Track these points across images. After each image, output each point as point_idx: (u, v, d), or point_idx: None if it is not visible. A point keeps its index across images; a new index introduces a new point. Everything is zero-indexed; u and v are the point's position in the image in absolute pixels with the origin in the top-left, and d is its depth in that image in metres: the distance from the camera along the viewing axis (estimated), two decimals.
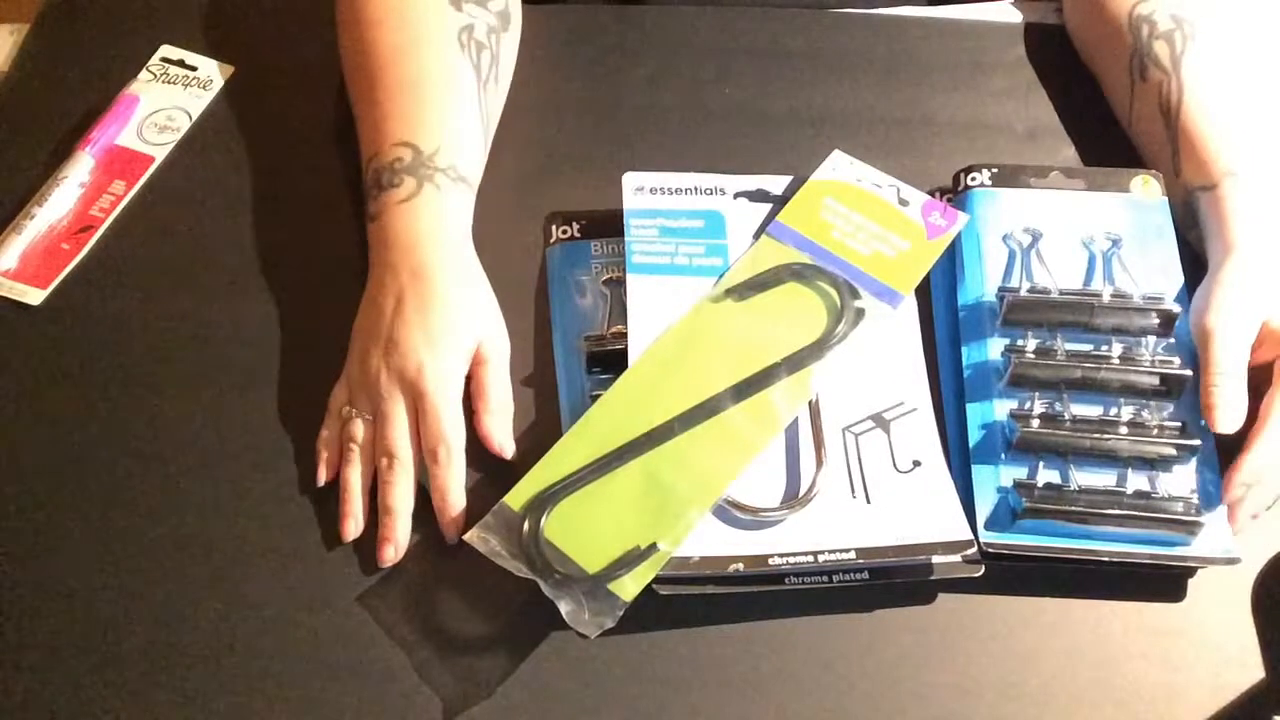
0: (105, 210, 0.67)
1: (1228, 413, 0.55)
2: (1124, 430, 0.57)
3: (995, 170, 0.65)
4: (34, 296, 0.63)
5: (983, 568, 0.54)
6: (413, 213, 0.61)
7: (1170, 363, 0.58)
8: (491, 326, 0.60)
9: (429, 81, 0.64)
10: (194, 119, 0.71)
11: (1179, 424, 0.57)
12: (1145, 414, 0.58)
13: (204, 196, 0.68)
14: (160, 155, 0.69)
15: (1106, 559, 0.55)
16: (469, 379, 0.59)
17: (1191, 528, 0.54)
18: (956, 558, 0.54)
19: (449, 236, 0.61)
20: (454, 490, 0.56)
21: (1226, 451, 0.57)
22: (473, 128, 0.65)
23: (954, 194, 0.66)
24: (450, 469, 0.56)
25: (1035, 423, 0.57)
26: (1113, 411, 0.58)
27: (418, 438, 0.57)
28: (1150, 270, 0.62)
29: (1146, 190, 0.64)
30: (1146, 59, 0.66)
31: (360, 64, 0.66)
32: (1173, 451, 0.57)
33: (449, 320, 0.58)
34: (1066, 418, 0.58)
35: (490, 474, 0.58)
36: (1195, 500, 0.55)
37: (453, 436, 0.56)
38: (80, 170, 0.67)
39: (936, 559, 0.54)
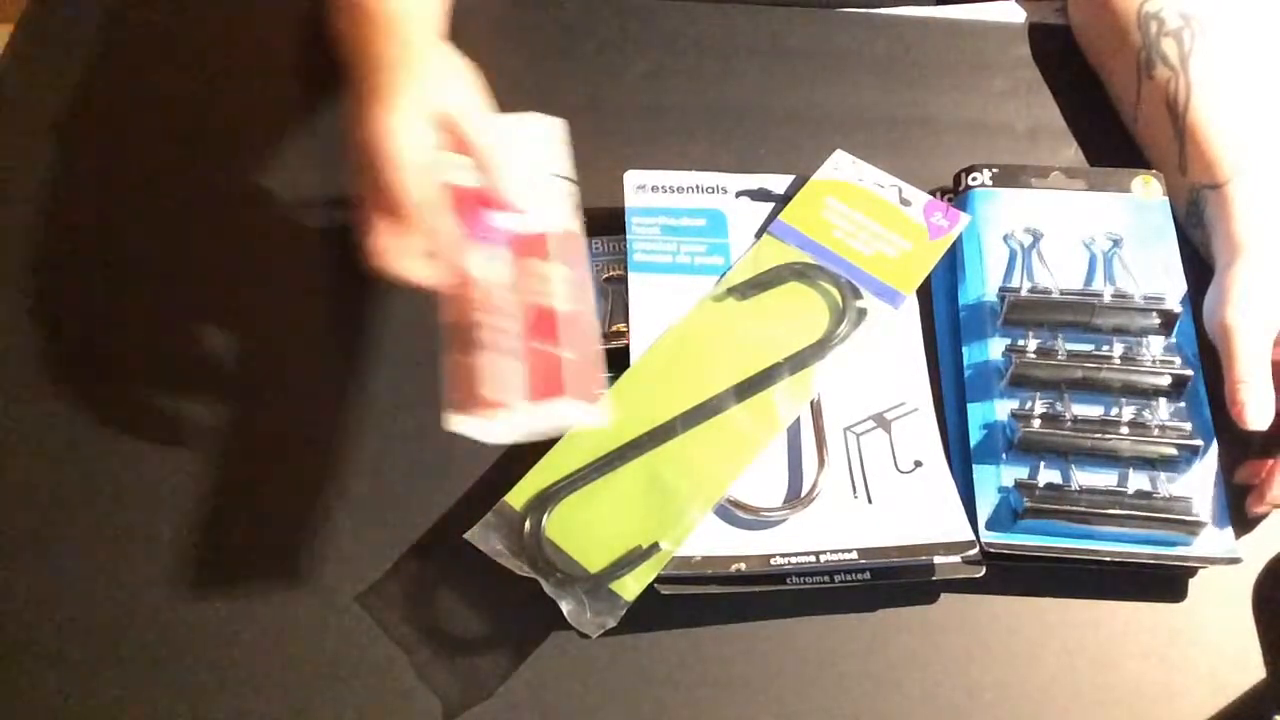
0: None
1: (1257, 410, 0.55)
2: (1125, 430, 0.57)
3: (996, 170, 0.65)
4: None
5: (984, 568, 0.54)
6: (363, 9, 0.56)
7: (1171, 363, 0.59)
8: (453, 86, 0.55)
9: None
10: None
11: (1180, 424, 0.57)
12: (1146, 414, 0.58)
13: (199, 189, 0.68)
14: None
15: (1108, 559, 0.55)
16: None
17: (1193, 528, 0.54)
18: (958, 558, 0.54)
19: (384, 40, 0.56)
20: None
21: (1228, 452, 0.57)
22: None
23: (955, 194, 0.66)
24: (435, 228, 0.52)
25: (1036, 423, 0.57)
26: (1114, 412, 0.58)
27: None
28: (1151, 270, 0.62)
29: (1147, 190, 0.64)
30: (1154, 55, 0.66)
31: None
32: (1174, 452, 0.57)
33: (394, 88, 0.53)
34: (1068, 418, 0.58)
35: (490, 474, 0.57)
36: (1196, 500, 0.55)
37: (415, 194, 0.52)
38: None
39: (938, 559, 0.54)
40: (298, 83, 0.73)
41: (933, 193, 0.65)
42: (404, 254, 0.52)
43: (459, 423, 0.50)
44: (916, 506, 0.55)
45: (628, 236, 0.62)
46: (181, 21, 0.75)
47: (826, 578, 0.54)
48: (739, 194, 0.65)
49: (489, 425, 0.50)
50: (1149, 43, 0.66)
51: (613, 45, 0.75)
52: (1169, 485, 0.56)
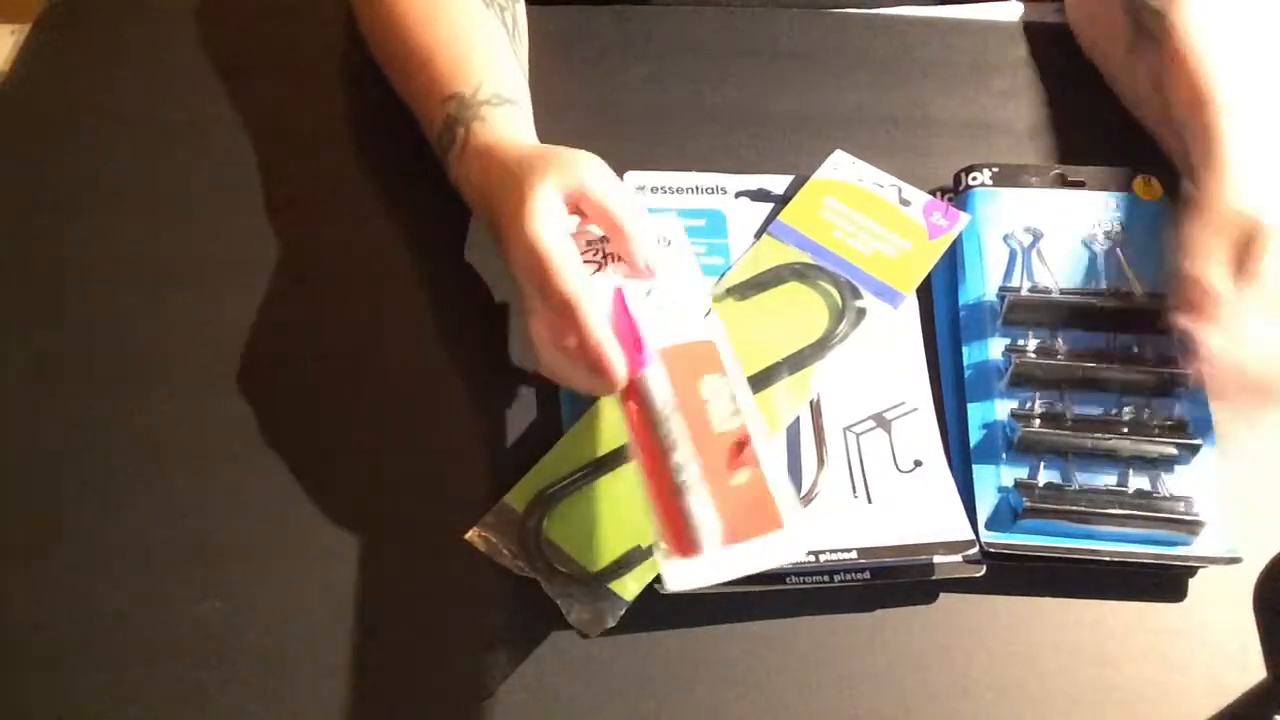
0: None
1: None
2: (1125, 430, 0.57)
3: (996, 170, 0.65)
4: None
5: (984, 568, 0.54)
6: (468, 163, 0.60)
7: (1173, 361, 0.58)
8: (580, 162, 0.56)
9: (463, 35, 0.64)
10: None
11: (1180, 423, 0.57)
12: (1147, 413, 0.58)
13: (200, 191, 0.68)
14: None
15: (1108, 558, 0.55)
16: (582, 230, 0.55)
17: (1193, 527, 0.54)
18: (958, 558, 0.54)
19: (504, 167, 0.57)
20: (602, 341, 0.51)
21: (1228, 451, 0.57)
22: (509, 59, 0.65)
23: (955, 194, 0.66)
24: (584, 321, 0.51)
25: (1036, 422, 0.57)
26: (1114, 411, 0.58)
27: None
28: (1152, 270, 0.62)
29: (1148, 190, 0.64)
30: (1143, 13, 0.65)
31: (393, 43, 0.66)
32: (1174, 451, 0.57)
33: (526, 189, 0.54)
34: (1068, 417, 0.58)
35: (490, 474, 0.58)
36: (1196, 500, 0.55)
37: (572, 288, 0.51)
38: None
39: (938, 559, 0.54)
40: (305, 85, 0.73)
41: (932, 193, 0.65)
42: (566, 364, 0.52)
43: (671, 571, 0.47)
44: (916, 506, 0.55)
45: None
46: (188, 24, 0.75)
47: (826, 577, 0.54)
48: (739, 194, 0.65)
49: (691, 571, 0.47)
50: (1136, 5, 0.66)
51: (613, 48, 0.75)
52: (1169, 485, 0.56)
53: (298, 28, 0.75)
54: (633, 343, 0.52)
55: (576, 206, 0.54)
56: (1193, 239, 0.55)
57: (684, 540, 0.47)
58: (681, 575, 0.46)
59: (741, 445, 0.50)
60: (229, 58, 0.74)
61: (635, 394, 0.51)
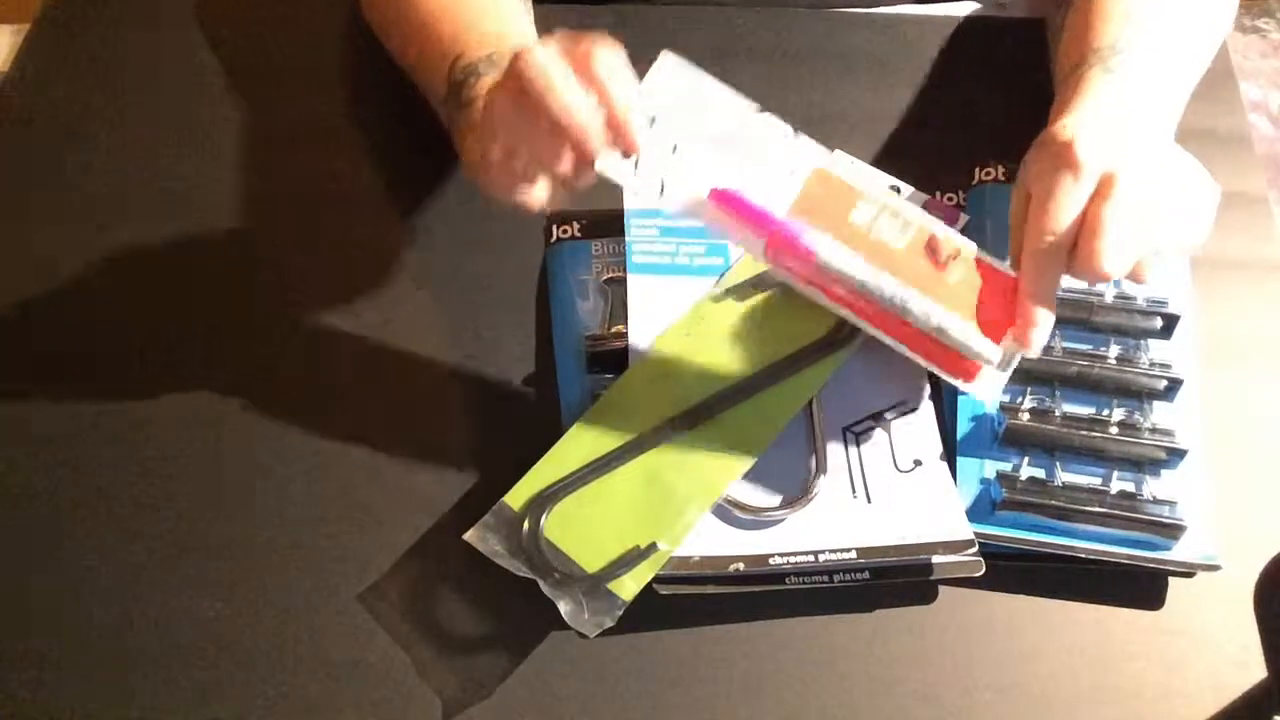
0: None
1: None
2: (1114, 430, 0.57)
3: (1011, 166, 0.65)
4: None
5: (984, 567, 0.54)
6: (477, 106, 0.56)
7: (1167, 366, 0.58)
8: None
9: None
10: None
11: (1170, 428, 0.57)
12: (1138, 416, 0.58)
13: (200, 191, 0.68)
14: None
15: (1084, 556, 0.54)
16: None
17: (1173, 531, 0.54)
18: (957, 557, 0.54)
19: None
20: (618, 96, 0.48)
21: (1216, 459, 0.57)
22: (521, 14, 0.64)
23: (968, 189, 0.65)
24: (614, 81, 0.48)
25: (1024, 416, 0.57)
26: (1105, 412, 0.58)
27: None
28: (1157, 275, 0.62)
29: None
30: None
31: (398, 7, 0.65)
32: (1161, 455, 0.57)
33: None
34: (1057, 414, 0.58)
35: (490, 474, 0.58)
36: (1179, 505, 0.55)
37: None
38: None
39: (937, 559, 0.54)
40: (305, 84, 0.73)
41: (933, 193, 0.65)
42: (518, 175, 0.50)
43: (975, 391, 0.52)
44: (915, 506, 0.55)
45: (627, 238, 0.62)
46: (187, 24, 0.75)
47: (825, 577, 0.54)
48: None
49: (988, 384, 0.52)
50: None
51: None
52: (1153, 488, 0.56)
53: (297, 28, 0.75)
54: (767, 222, 0.52)
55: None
56: (1027, 173, 0.53)
57: (969, 368, 0.52)
58: (985, 391, 0.52)
59: (932, 247, 0.52)
60: (228, 57, 0.74)
61: (822, 277, 0.52)
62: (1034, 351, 0.51)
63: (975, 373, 0.52)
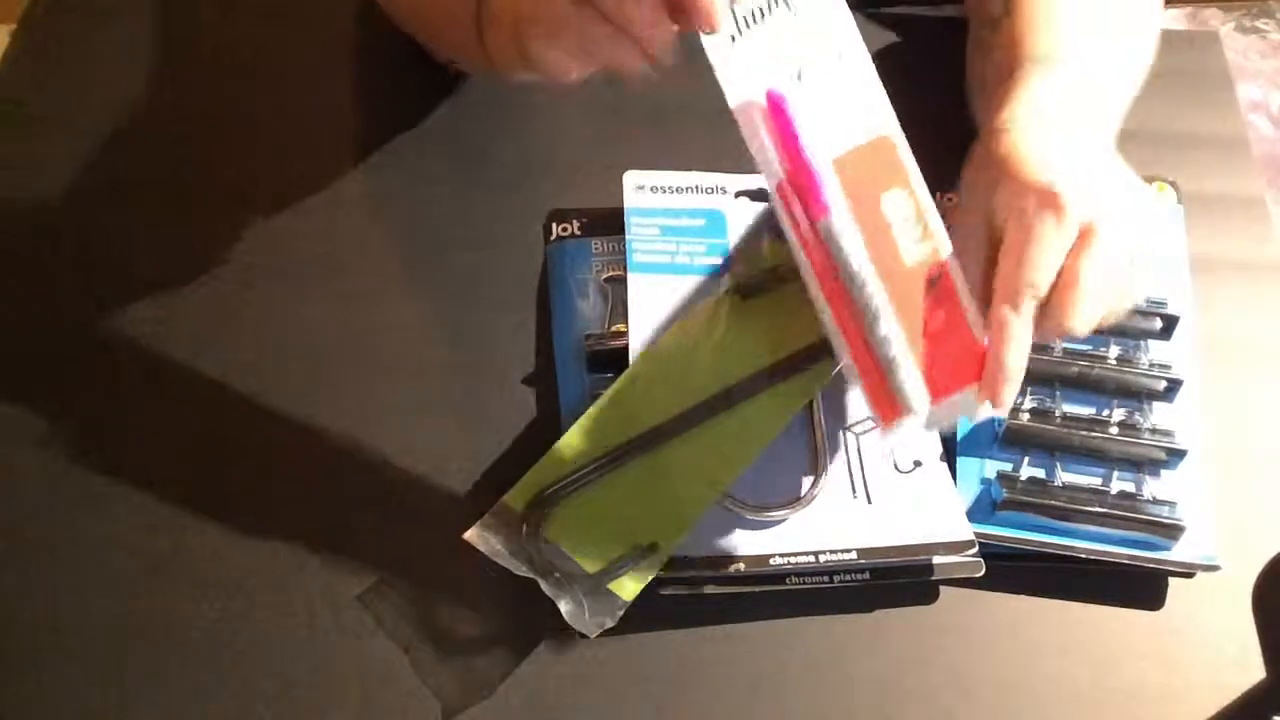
0: None
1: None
2: (1114, 430, 0.57)
3: None
4: None
5: (984, 567, 0.54)
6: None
7: (1168, 367, 0.59)
8: None
9: None
10: None
11: (1170, 429, 0.57)
12: (1138, 416, 0.58)
13: (196, 188, 0.68)
14: None
15: (1084, 556, 0.54)
16: None
17: (1173, 532, 0.54)
18: (957, 558, 0.54)
19: None
20: None
21: (1216, 459, 0.57)
22: None
23: None
24: None
25: (1025, 416, 0.57)
26: (1105, 413, 0.58)
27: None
28: (1157, 275, 0.62)
29: (1161, 197, 0.64)
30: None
31: None
32: (1162, 455, 0.57)
33: None
34: (1057, 414, 0.58)
35: (490, 473, 0.58)
36: (1179, 505, 0.55)
37: None
38: None
39: (937, 559, 0.54)
40: (303, 82, 0.73)
41: (934, 193, 0.65)
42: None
43: (885, 434, 0.48)
44: (916, 506, 0.55)
45: (627, 237, 0.62)
46: (180, 22, 0.75)
47: (826, 578, 0.54)
48: (738, 194, 0.65)
49: (900, 431, 0.48)
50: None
51: None
52: (1153, 488, 0.56)
53: (294, 26, 0.75)
54: (799, 157, 0.47)
55: None
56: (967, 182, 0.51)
57: (894, 409, 0.47)
58: (892, 436, 0.50)
59: (934, 279, 0.48)
60: (222, 55, 0.74)
61: (815, 241, 0.47)
62: (1002, 411, 0.48)
63: (894, 420, 0.47)
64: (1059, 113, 0.52)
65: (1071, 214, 0.47)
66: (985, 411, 0.47)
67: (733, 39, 0.47)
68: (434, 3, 0.64)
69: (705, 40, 0.46)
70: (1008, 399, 0.47)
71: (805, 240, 0.48)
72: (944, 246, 0.48)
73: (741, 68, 0.47)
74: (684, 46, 0.54)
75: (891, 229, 0.48)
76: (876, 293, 0.47)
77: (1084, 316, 0.47)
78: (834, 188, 0.47)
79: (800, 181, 0.47)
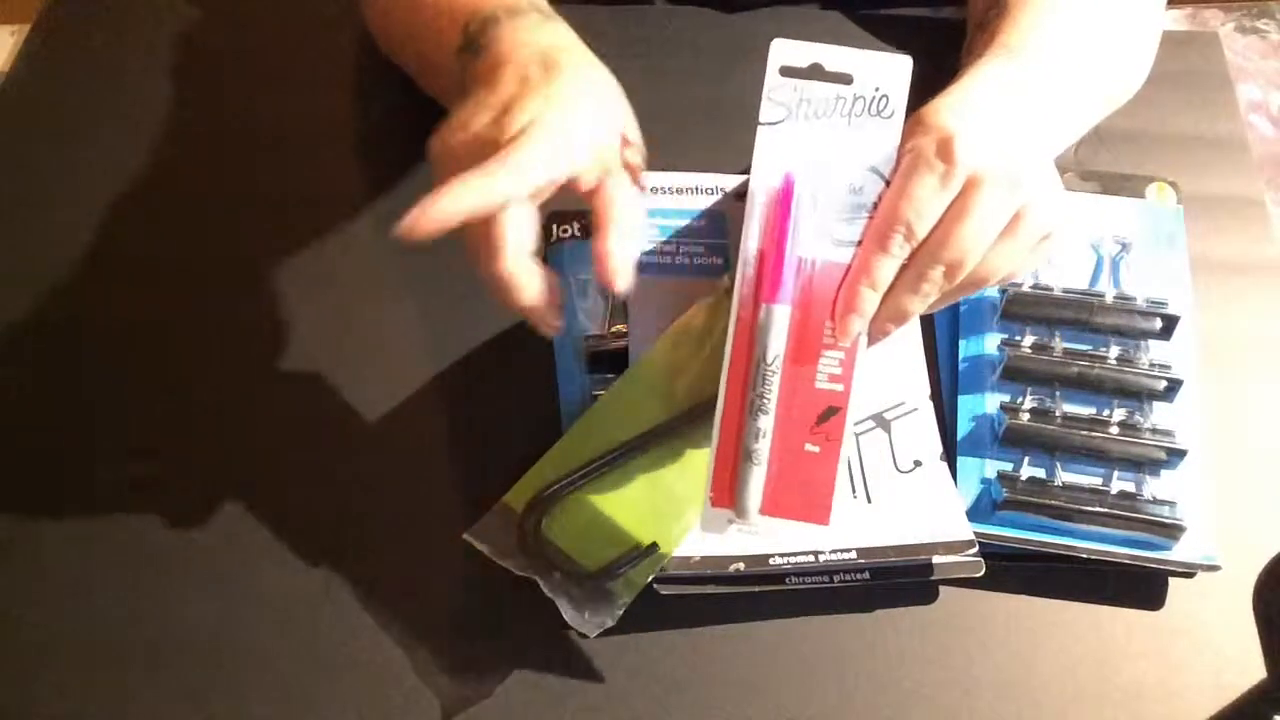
0: None
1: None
2: (1114, 430, 0.57)
3: None
4: None
5: (984, 567, 0.54)
6: (529, 29, 0.54)
7: (1168, 367, 0.59)
8: (630, 131, 0.52)
9: None
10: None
11: (1170, 429, 0.57)
12: (1138, 417, 0.58)
13: (199, 191, 0.68)
14: None
15: (1084, 556, 0.54)
16: (592, 194, 0.49)
17: (1173, 532, 0.54)
18: (957, 557, 0.54)
19: (575, 42, 0.54)
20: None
21: (1216, 459, 0.57)
22: None
23: None
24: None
25: (1025, 416, 0.57)
26: (1105, 413, 0.58)
27: None
28: (1157, 276, 0.62)
29: (1161, 197, 0.64)
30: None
31: None
32: (1162, 455, 0.57)
33: (584, 94, 0.50)
34: (1057, 414, 0.58)
35: (490, 474, 0.58)
36: (1180, 505, 0.55)
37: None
38: None
39: (937, 559, 0.54)
40: (305, 84, 0.73)
41: None
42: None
43: (706, 515, 0.50)
44: (916, 506, 0.55)
45: None
46: (191, 24, 0.75)
47: (825, 577, 0.54)
48: (739, 195, 0.65)
49: (719, 521, 0.50)
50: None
51: (613, 48, 0.74)
52: (1153, 488, 0.56)
53: (297, 28, 0.75)
54: (773, 264, 0.48)
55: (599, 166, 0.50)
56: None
57: (727, 496, 0.49)
58: (712, 522, 0.49)
59: (832, 412, 0.49)
60: (229, 58, 0.74)
61: (751, 321, 0.49)
62: (846, 341, 0.48)
63: (720, 505, 0.49)
64: (998, 96, 0.52)
65: (961, 163, 0.46)
66: (814, 544, 0.51)
67: (781, 122, 0.49)
68: (420, 50, 0.64)
69: (761, 118, 0.50)
70: (852, 332, 0.48)
71: (741, 318, 0.49)
72: (853, 395, 0.49)
73: (777, 152, 0.50)
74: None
75: (820, 355, 0.49)
76: (773, 389, 0.48)
77: (955, 268, 0.46)
78: (793, 285, 0.49)
79: (770, 260, 0.49)
